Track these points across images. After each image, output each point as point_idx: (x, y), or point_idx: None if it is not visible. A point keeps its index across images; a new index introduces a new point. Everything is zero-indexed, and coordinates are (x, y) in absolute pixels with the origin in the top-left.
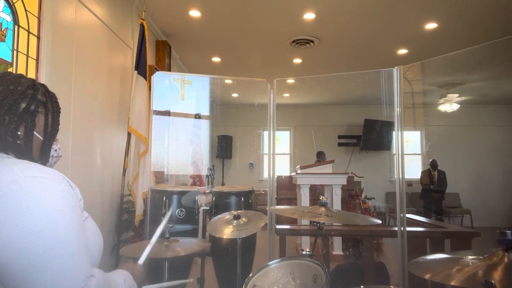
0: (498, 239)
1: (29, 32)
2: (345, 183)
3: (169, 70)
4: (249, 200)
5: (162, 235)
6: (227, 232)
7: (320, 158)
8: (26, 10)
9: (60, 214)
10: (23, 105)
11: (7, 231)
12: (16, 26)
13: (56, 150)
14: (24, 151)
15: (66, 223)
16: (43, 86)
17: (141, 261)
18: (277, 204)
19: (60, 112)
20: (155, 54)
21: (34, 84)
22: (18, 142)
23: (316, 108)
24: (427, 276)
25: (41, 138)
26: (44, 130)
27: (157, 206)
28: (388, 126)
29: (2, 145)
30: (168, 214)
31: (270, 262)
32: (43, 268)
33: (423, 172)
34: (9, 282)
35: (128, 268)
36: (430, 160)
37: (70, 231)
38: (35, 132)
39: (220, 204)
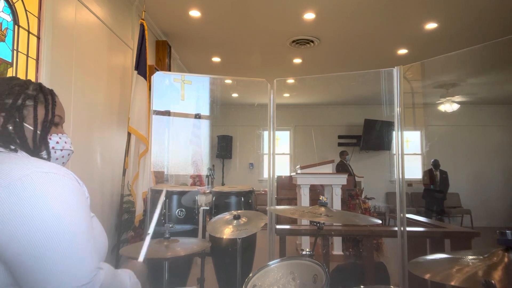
0: (498, 239)
1: (29, 32)
2: (345, 183)
3: (169, 70)
4: (249, 200)
5: (162, 235)
6: (227, 232)
7: (343, 157)
8: (26, 10)
9: (69, 208)
10: (10, 101)
11: (20, 222)
12: (16, 26)
13: (58, 142)
14: (19, 144)
15: (75, 217)
16: (38, 83)
17: (141, 258)
18: (277, 204)
19: (55, 105)
20: (155, 54)
21: (25, 82)
22: (12, 135)
23: (316, 108)
24: (427, 276)
25: (31, 128)
26: (34, 121)
27: (157, 206)
28: (388, 126)
29: (2, 140)
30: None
31: (270, 262)
32: (52, 259)
33: (425, 172)
34: (19, 272)
35: (130, 266)
36: (432, 160)
37: (78, 225)
38: (25, 124)
39: (220, 204)
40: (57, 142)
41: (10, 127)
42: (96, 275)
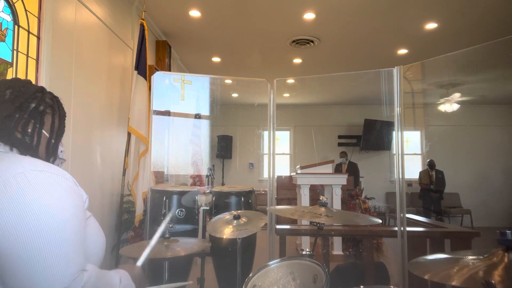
0: (498, 239)
1: (29, 32)
2: (345, 183)
3: (169, 70)
4: (249, 200)
5: (162, 235)
6: (227, 232)
7: (341, 158)
8: (26, 10)
9: (60, 208)
10: (33, 105)
11: (10, 218)
12: (16, 26)
13: (62, 152)
14: (30, 148)
15: (64, 217)
16: (50, 92)
17: (139, 263)
18: (277, 204)
19: (65, 116)
20: (155, 54)
21: (42, 88)
22: (26, 138)
23: (316, 108)
24: (427, 276)
25: (47, 136)
26: (51, 129)
27: (157, 206)
28: (388, 126)
29: (10, 140)
30: (169, 215)
31: (270, 262)
32: (37, 257)
33: (421, 172)
34: (4, 269)
35: (127, 269)
36: (428, 160)
37: (67, 225)
38: (43, 131)
39: (220, 204)
40: (61, 151)
41: (29, 130)
42: (77, 278)
